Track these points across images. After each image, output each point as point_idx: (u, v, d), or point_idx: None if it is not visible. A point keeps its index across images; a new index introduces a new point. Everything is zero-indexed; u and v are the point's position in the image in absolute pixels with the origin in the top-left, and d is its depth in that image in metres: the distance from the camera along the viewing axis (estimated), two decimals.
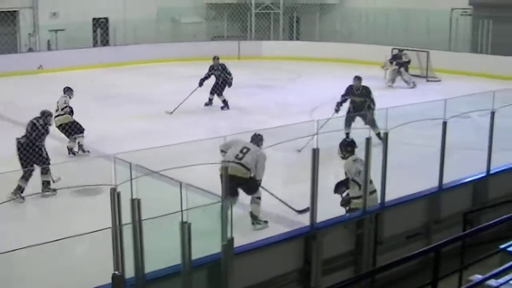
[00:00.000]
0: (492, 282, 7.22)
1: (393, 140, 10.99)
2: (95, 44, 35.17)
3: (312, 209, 9.66)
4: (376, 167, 10.67)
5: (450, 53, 33.63)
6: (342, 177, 11.05)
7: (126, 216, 7.32)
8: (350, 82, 18.56)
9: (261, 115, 21.89)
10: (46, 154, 14.21)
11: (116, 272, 7.39)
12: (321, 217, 9.77)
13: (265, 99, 24.67)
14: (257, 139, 12.40)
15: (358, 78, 18.58)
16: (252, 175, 11.95)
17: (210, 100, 23.50)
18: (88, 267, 10.08)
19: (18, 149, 13.91)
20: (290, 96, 25.48)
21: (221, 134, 8.46)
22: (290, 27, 39.98)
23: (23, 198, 13.47)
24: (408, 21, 35.40)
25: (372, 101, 18.24)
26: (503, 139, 15.49)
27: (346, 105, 18.47)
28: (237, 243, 8.37)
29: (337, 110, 18.25)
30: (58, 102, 17.43)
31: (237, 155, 11.90)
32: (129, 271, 7.52)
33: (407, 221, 11.37)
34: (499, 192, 12.93)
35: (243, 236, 8.89)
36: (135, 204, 7.31)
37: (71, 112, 17.40)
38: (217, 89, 23.28)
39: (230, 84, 23.24)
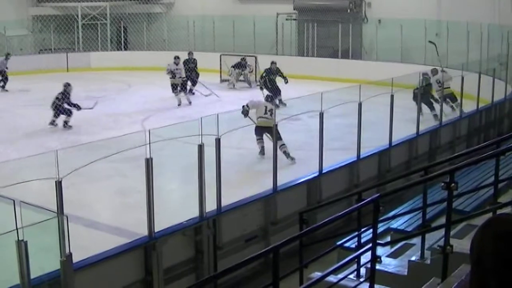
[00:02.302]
0: (331, 278, 7.42)
1: (224, 145, 11.12)
2: None
3: (149, 219, 9.64)
4: (212, 174, 10.76)
5: (277, 57, 34.28)
6: None
7: None
8: None
9: (93, 127, 21.56)
10: None
11: None
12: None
13: (96, 111, 24.31)
14: (270, 98, 18.07)
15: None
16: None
17: (191, 90, 27.12)
18: None
19: None
20: (121, 106, 25.19)
21: (51, 149, 8.27)
22: (118, 37, 39.69)
23: None
24: (235, 27, 35.85)
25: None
26: (333, 138, 16.00)
27: None
28: (77, 257, 8.25)
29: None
30: (178, 66, 25.53)
31: (266, 112, 16.50)
32: None
33: (244, 224, 11.53)
34: (332, 190, 13.32)
35: (83, 250, 8.75)
36: None
37: (174, 76, 25.23)
38: (192, 80, 27.23)
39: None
